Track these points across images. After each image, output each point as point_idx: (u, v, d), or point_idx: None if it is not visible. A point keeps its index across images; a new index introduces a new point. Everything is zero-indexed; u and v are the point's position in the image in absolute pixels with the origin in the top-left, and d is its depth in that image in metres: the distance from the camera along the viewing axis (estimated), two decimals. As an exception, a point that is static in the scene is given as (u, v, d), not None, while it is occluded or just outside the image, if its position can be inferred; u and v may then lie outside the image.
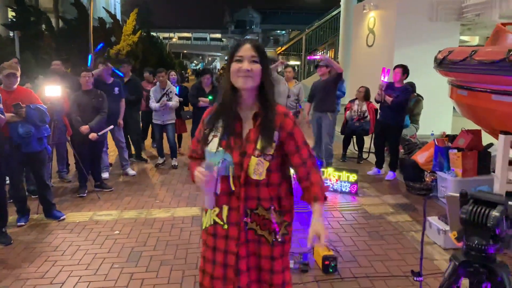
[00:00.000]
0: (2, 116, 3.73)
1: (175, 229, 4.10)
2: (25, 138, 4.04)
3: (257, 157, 1.64)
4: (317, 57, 5.78)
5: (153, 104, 6.27)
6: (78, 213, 4.49)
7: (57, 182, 5.59)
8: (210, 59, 70.62)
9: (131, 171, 6.07)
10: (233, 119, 1.69)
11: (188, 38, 68.05)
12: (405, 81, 5.84)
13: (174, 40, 62.27)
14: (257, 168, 1.64)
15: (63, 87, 4.95)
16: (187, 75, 35.42)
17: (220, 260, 1.72)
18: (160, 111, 6.29)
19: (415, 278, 1.79)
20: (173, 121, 6.50)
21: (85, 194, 5.05)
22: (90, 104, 5.01)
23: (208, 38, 68.59)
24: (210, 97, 6.19)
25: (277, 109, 1.70)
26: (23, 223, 4.15)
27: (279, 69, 7.52)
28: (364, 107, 6.91)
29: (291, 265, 3.31)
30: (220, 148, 1.66)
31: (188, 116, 7.04)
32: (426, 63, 6.16)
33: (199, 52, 67.33)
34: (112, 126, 5.45)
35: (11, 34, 18.92)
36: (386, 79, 5.78)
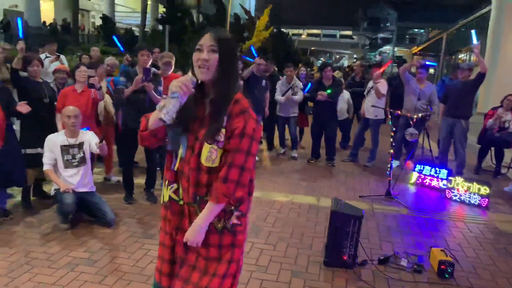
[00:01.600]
0: (159, 97, 4.54)
1: (293, 212, 4.49)
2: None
3: (209, 144, 1.63)
4: None
5: (278, 97, 6.77)
6: (209, 187, 5.19)
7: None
8: (337, 56, 69.89)
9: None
10: (193, 104, 1.68)
11: (317, 35, 68.43)
12: None
13: (303, 36, 63.31)
14: (210, 155, 1.63)
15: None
16: (312, 72, 35.83)
17: (169, 230, 1.79)
18: (285, 104, 6.76)
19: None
20: (296, 115, 6.92)
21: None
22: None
23: (337, 35, 67.97)
24: (329, 91, 6.36)
25: (235, 97, 1.67)
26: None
27: (413, 69, 7.33)
28: (509, 117, 6.35)
29: (404, 264, 3.40)
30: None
31: (310, 112, 7.39)
32: None
33: (327, 49, 67.15)
34: None
35: (160, 27, 21.72)
36: None
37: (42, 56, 6.61)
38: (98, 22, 23.35)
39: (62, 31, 21.23)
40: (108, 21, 20.28)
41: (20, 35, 4.95)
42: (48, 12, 26.46)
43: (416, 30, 57.46)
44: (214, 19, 21.39)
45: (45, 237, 3.61)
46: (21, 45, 4.28)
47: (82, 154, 3.81)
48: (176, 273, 1.80)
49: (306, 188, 5.37)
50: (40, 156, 3.96)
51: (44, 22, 21.80)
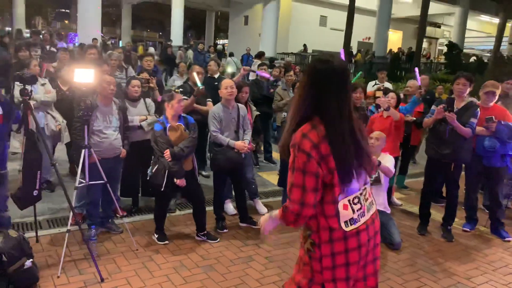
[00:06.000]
0: (466, 129, 4.29)
1: None
2: (488, 152, 4.51)
3: None
4: None
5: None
6: (523, 241, 4.55)
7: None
8: None
9: None
10: None
11: None
12: None
13: None
14: None
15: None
16: None
17: None
18: None
19: None
20: None
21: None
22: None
23: None
24: None
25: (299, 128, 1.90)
26: (467, 229, 4.74)
27: None
28: None
29: None
30: None
31: None
32: None
33: None
34: None
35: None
36: None
37: (372, 83, 7.73)
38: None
39: (406, 59, 22.79)
40: (453, 47, 20.06)
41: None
42: (396, 42, 29.12)
43: None
44: None
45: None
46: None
47: (376, 175, 4.24)
48: None
49: None
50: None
51: (390, 50, 24.07)
